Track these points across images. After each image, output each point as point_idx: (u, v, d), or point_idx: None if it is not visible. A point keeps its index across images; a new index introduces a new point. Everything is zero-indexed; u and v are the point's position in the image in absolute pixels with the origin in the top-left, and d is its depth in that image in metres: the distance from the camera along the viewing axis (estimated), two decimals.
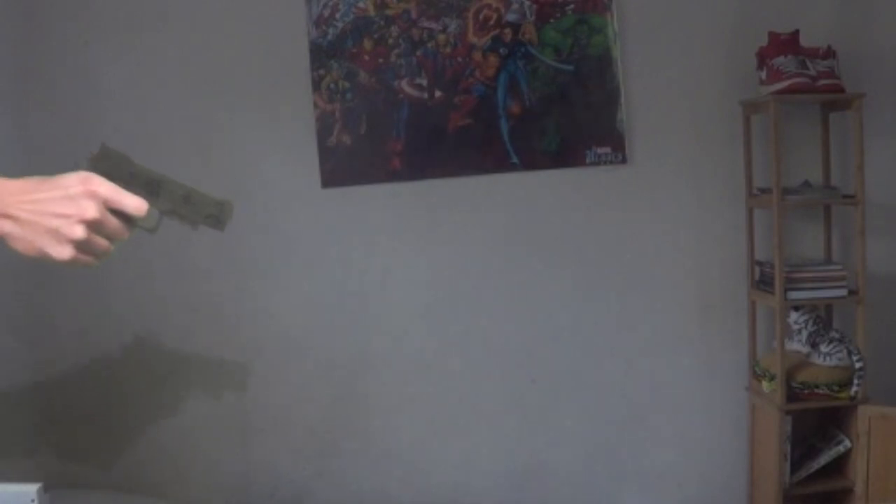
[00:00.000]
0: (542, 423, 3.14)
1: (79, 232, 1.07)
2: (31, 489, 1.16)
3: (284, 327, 3.12)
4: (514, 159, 3.07)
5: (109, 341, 3.08)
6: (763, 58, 2.90)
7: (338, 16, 3.05)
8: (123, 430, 3.12)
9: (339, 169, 3.07)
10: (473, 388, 3.13)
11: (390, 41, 3.05)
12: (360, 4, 3.04)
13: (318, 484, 3.14)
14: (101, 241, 1.10)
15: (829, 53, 2.86)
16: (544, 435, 3.15)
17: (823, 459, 2.87)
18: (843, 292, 2.85)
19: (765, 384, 2.90)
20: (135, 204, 1.12)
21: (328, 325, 3.12)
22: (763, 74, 2.90)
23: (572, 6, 3.04)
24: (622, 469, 3.15)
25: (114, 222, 1.10)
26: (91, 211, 1.07)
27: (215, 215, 1.28)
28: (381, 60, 3.06)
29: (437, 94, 3.06)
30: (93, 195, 1.08)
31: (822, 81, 2.82)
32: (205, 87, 3.06)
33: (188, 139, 3.07)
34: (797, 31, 2.88)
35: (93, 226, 1.08)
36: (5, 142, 2.96)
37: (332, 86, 3.05)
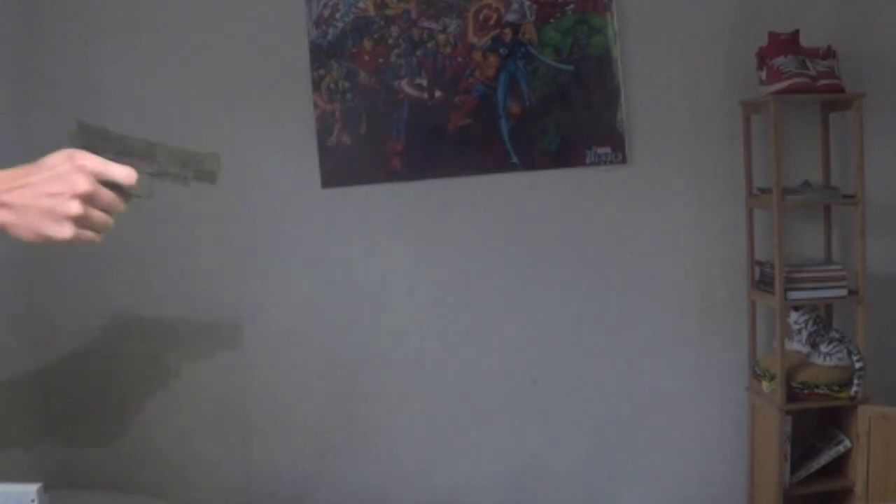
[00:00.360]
0: (542, 423, 3.14)
1: (75, 207, 1.07)
2: (31, 489, 1.16)
3: (285, 327, 3.12)
4: (514, 159, 3.07)
5: (109, 341, 3.08)
6: (763, 58, 2.90)
7: (338, 16, 3.05)
8: (123, 430, 3.12)
9: (339, 169, 3.07)
10: (473, 388, 3.13)
11: (390, 41, 3.05)
12: (360, 4, 3.04)
13: (318, 484, 3.14)
14: (99, 215, 1.10)
15: (829, 53, 2.86)
16: (544, 435, 3.15)
17: (823, 459, 2.87)
18: (843, 292, 2.85)
19: (765, 384, 2.90)
20: (123, 173, 1.12)
21: (328, 325, 3.12)
22: (763, 74, 2.90)
23: (572, 6, 3.04)
24: (622, 469, 3.15)
25: (107, 193, 1.11)
26: (82, 184, 1.07)
27: (204, 168, 1.28)
28: (381, 60, 3.06)
29: (437, 94, 3.06)
30: (81, 169, 1.08)
31: (822, 81, 2.82)
32: (205, 87, 3.06)
33: (188, 139, 3.05)
34: (797, 31, 2.87)
35: (87, 199, 1.08)
36: (5, 142, 2.96)
37: (332, 86, 3.05)
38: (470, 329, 3.13)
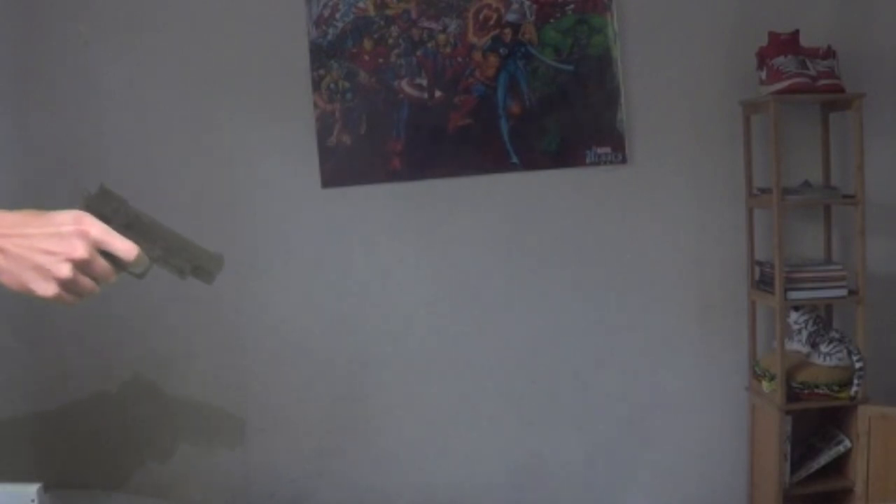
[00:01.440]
0: (542, 423, 3.14)
1: (65, 271, 1.05)
2: (31, 489, 1.16)
3: (285, 327, 3.11)
4: (514, 159, 3.07)
5: (109, 341, 3.08)
6: (763, 58, 2.90)
7: (338, 16, 3.05)
8: (123, 430, 3.12)
9: (339, 169, 3.07)
10: (474, 387, 3.13)
11: (390, 41, 3.05)
12: (360, 4, 3.04)
13: (318, 484, 3.14)
14: (87, 282, 1.08)
15: (829, 53, 2.86)
16: (544, 435, 3.14)
17: (823, 459, 2.87)
18: (843, 292, 2.85)
19: (765, 384, 2.90)
20: (125, 248, 1.10)
21: (328, 324, 3.12)
22: (763, 74, 2.90)
23: (572, 6, 3.04)
24: (622, 469, 3.15)
25: (102, 264, 1.09)
26: (80, 251, 1.06)
27: (205, 268, 1.27)
28: (381, 60, 3.06)
29: (437, 94, 3.06)
30: (83, 235, 1.06)
31: (822, 81, 2.82)
32: (205, 87, 3.06)
33: (188, 139, 3.07)
34: (797, 31, 2.88)
35: (80, 266, 1.07)
36: (5, 142, 2.96)
37: (332, 86, 3.05)
38: (470, 329, 3.13)
